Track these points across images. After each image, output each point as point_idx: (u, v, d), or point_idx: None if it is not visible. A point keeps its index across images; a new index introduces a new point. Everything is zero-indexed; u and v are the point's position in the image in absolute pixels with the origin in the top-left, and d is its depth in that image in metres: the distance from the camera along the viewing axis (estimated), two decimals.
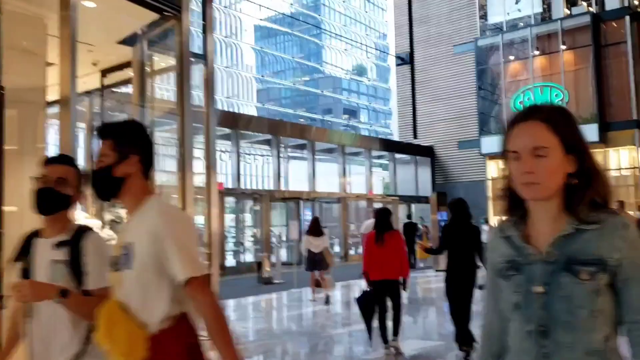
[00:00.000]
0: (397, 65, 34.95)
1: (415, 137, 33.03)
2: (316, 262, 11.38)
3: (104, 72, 8.17)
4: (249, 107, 60.97)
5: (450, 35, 32.55)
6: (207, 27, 8.00)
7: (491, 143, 29.48)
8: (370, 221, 13.17)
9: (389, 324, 6.78)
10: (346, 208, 24.42)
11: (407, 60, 33.56)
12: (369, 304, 6.72)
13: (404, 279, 6.83)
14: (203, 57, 8.13)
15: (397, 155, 30.83)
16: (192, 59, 8.07)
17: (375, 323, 6.77)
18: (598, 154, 27.09)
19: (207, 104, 8.18)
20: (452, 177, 31.71)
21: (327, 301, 11.20)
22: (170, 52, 6.89)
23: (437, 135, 32.42)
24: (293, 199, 22.78)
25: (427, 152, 32.20)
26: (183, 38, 6.79)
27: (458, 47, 32.04)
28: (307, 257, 11.61)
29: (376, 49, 74.68)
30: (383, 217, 6.99)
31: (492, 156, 29.89)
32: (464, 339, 6.37)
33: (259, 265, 15.52)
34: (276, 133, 23.09)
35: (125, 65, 7.74)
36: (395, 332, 6.75)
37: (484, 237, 17.57)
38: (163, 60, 8.19)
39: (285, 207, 23.26)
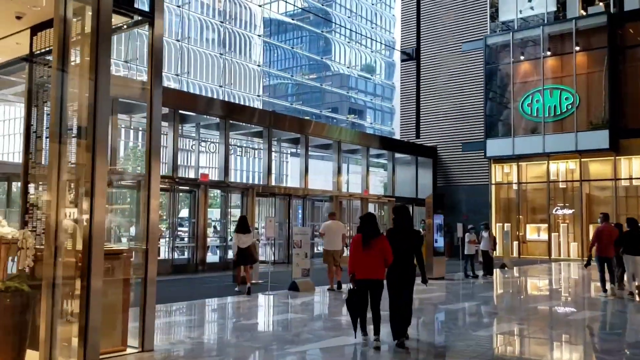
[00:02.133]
0: (402, 61, 33.68)
1: (417, 136, 31.78)
2: (245, 257, 12.67)
3: (34, 30, 6.98)
4: (254, 101, 59.85)
5: (459, 32, 31.28)
6: None
7: (497, 146, 28.33)
8: (330, 222, 13.26)
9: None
10: (338, 207, 23.19)
11: (412, 56, 32.29)
12: (354, 303, 7.21)
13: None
14: (148, 16, 6.94)
15: (398, 155, 29.56)
16: (133, 17, 6.89)
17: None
18: (607, 162, 25.77)
19: (150, 76, 6.99)
20: (454, 179, 30.46)
21: (248, 292, 12.10)
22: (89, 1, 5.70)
23: (441, 136, 31.19)
24: (281, 195, 21.59)
25: (430, 152, 30.95)
26: None
27: (467, 45, 30.81)
28: (237, 252, 12.75)
29: (382, 44, 73.49)
30: (369, 222, 7.31)
31: (498, 160, 28.72)
32: (397, 332, 7.14)
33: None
34: (270, 125, 21.87)
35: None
36: (376, 330, 7.09)
37: (482, 245, 16.24)
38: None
39: (275, 204, 22.06)
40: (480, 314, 10.66)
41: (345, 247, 13.69)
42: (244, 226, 12.98)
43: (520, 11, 29.16)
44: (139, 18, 6.98)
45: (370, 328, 7.29)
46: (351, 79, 74.29)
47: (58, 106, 6.02)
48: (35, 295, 4.97)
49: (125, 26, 6.90)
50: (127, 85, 17.57)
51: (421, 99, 32.17)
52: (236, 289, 13.01)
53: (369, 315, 7.24)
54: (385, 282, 7.24)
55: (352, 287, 7.23)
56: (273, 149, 24.28)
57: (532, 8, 28.89)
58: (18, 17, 6.86)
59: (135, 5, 6.66)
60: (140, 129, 32.92)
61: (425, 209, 17.28)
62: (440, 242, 16.80)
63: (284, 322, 9.24)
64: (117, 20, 6.72)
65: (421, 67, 32.43)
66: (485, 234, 17.57)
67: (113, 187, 16.03)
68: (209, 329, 8.82)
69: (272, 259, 21.12)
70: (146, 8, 6.78)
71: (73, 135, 5.89)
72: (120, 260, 6.43)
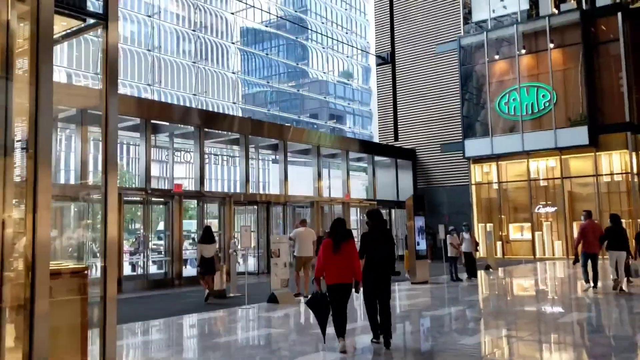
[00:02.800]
0: (378, 65, 33.45)
1: (396, 139, 31.52)
2: (208, 266, 12.99)
3: None
4: (231, 109, 59.24)
5: (433, 34, 31.17)
6: None
7: (476, 146, 28.15)
8: (301, 229, 13.59)
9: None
10: (320, 212, 22.76)
11: (387, 59, 32.07)
12: (321, 307, 7.27)
13: (356, 282, 7.35)
14: (101, 18, 6.43)
15: (377, 158, 29.25)
16: (86, 20, 6.41)
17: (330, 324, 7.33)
18: (588, 159, 25.70)
19: (105, 83, 6.54)
20: (435, 181, 30.23)
21: (206, 299, 12.77)
22: None
23: (419, 138, 30.98)
24: (260, 203, 21.08)
25: (409, 154, 30.70)
26: None
27: (441, 46, 30.68)
28: (200, 262, 13.11)
29: (357, 49, 73.51)
30: (339, 227, 7.51)
31: (477, 160, 28.54)
32: (375, 330, 7.53)
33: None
34: (247, 132, 21.38)
35: None
36: (342, 332, 7.19)
37: (464, 246, 15.86)
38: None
39: (255, 212, 21.56)
40: (466, 319, 10.27)
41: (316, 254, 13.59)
42: (208, 236, 13.22)
43: (494, 10, 29.10)
44: (92, 21, 6.47)
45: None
46: (329, 85, 74.09)
47: (2, 117, 5.47)
48: None
49: (72, 30, 6.38)
50: (90, 95, 16.96)
51: (398, 102, 31.94)
52: (205, 300, 12.92)
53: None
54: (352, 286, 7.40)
55: (316, 290, 7.35)
56: (251, 156, 23.80)
57: (504, 7, 28.84)
58: None
59: (88, 8, 6.18)
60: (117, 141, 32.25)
61: (406, 211, 16.90)
62: (422, 244, 16.43)
63: (261, 338, 8.75)
64: (69, 24, 6.24)
65: (396, 71, 32.23)
66: (466, 235, 17.24)
67: (82, 202, 15.44)
68: (178, 348, 8.29)
69: (255, 269, 20.60)
70: (100, 10, 6.31)
71: (23, 147, 5.38)
72: (76, 278, 5.91)
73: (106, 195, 6.15)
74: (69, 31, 6.41)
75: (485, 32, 28.46)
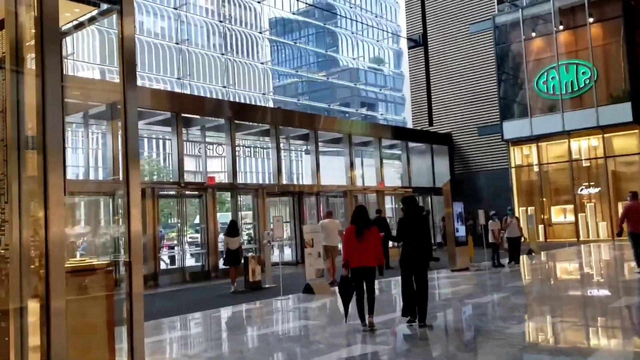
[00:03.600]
0: (410, 48, 32.78)
1: (430, 124, 30.85)
2: (233, 258, 13.63)
3: None
4: (264, 101, 59.19)
5: (466, 14, 30.32)
6: None
7: (514, 128, 27.37)
8: (326, 220, 14.39)
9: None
10: (353, 201, 22.41)
11: (419, 42, 31.36)
12: (347, 289, 7.80)
13: (380, 265, 7.91)
14: (115, 2, 6.20)
15: (412, 144, 28.66)
16: (99, 6, 6.20)
17: (353, 305, 7.87)
18: (632, 136, 24.65)
19: (123, 74, 6.31)
20: (472, 165, 29.51)
21: (234, 291, 13.22)
22: None
23: (455, 122, 30.25)
24: (293, 193, 20.84)
25: (444, 139, 30.03)
26: None
27: (474, 26, 29.84)
28: (226, 254, 13.86)
29: (388, 32, 72.42)
30: (360, 214, 7.91)
31: (516, 142, 27.73)
32: (409, 311, 7.81)
33: (245, 267, 13.64)
34: (277, 122, 21.16)
35: None
36: (371, 310, 7.64)
37: (510, 231, 15.15)
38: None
39: (289, 203, 21.37)
40: (510, 305, 9.82)
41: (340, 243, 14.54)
42: (233, 229, 13.92)
43: None
44: (105, 7, 6.23)
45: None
46: (360, 72, 73.31)
47: (15, 113, 5.29)
48: None
49: (86, 18, 6.17)
50: (118, 90, 16.89)
51: (432, 86, 31.22)
52: (231, 290, 13.39)
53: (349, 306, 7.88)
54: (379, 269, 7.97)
55: (345, 274, 7.81)
56: (282, 147, 23.59)
57: None
58: None
59: None
60: (145, 135, 32.45)
61: (443, 198, 16.43)
62: (461, 231, 15.94)
63: (297, 330, 8.51)
64: (82, 10, 6.04)
65: (429, 53, 31.46)
66: (512, 219, 16.52)
67: (110, 198, 15.50)
68: (214, 343, 8.11)
69: (292, 259, 20.41)
70: None
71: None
72: (100, 275, 5.74)
73: (128, 191, 5.95)
74: (82, 19, 6.22)
75: (520, 10, 27.54)
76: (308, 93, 68.52)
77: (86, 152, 18.03)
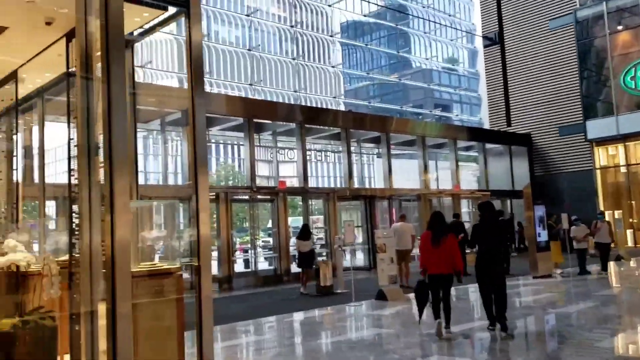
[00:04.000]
0: (485, 46, 31.73)
1: (508, 124, 29.71)
2: (305, 260, 13.84)
3: (69, 37, 6.44)
4: (335, 104, 59.21)
5: (544, 9, 28.99)
6: None
7: (599, 127, 25.89)
8: (398, 224, 14.54)
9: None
10: (427, 205, 21.84)
11: (495, 40, 30.30)
12: (422, 292, 7.98)
13: (458, 272, 7.78)
14: (183, 5, 6.18)
15: (489, 146, 27.66)
16: (167, 9, 6.20)
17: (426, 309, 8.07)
18: None
19: (190, 78, 6.28)
20: (554, 167, 28.13)
21: (302, 293, 13.58)
22: None
23: (534, 122, 28.96)
24: (365, 197, 20.51)
25: (523, 140, 28.80)
26: None
27: (554, 22, 28.47)
28: (298, 257, 14.23)
29: (463, 31, 70.61)
30: (437, 221, 7.96)
31: (600, 142, 26.20)
32: (489, 317, 7.74)
33: (317, 272, 13.49)
34: (348, 126, 20.96)
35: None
36: (447, 321, 7.61)
37: (599, 236, 14.07)
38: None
39: (359, 207, 21.09)
40: (599, 316, 9.11)
41: (414, 247, 14.61)
42: (304, 233, 14.31)
43: None
44: (174, 10, 6.22)
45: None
46: (434, 73, 71.97)
47: (85, 119, 5.34)
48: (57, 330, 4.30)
49: (155, 23, 6.17)
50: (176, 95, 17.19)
51: (509, 85, 30.09)
52: (301, 290, 13.79)
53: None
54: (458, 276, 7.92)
55: (421, 279, 8.00)
56: (353, 151, 23.37)
57: None
58: (48, 23, 6.29)
59: None
60: (221, 142, 33.07)
61: (524, 201, 15.64)
62: (543, 235, 15.11)
63: (370, 338, 8.23)
64: (151, 14, 6.06)
65: (506, 51, 30.35)
66: (603, 224, 15.43)
67: (181, 203, 15.80)
68: (286, 349, 7.96)
69: (365, 264, 20.10)
70: None
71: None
72: (170, 279, 5.73)
73: (197, 195, 5.92)
74: (151, 24, 6.24)
75: (604, 2, 26.03)
76: (380, 96, 67.94)
77: (164, 158, 18.51)
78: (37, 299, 4.28)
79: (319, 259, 14.57)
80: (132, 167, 7.06)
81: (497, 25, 30.73)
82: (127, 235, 4.51)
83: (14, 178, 7.70)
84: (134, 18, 6.42)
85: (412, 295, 11.93)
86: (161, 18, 6.49)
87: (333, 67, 61.16)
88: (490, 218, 7.99)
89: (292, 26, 57.28)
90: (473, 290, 12.51)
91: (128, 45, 6.86)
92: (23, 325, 3.94)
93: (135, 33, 6.71)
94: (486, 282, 7.75)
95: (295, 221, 20.16)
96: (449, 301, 7.70)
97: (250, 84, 52.47)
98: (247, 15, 53.82)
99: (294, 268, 17.70)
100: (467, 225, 20.90)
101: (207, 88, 45.44)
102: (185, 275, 6.35)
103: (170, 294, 5.76)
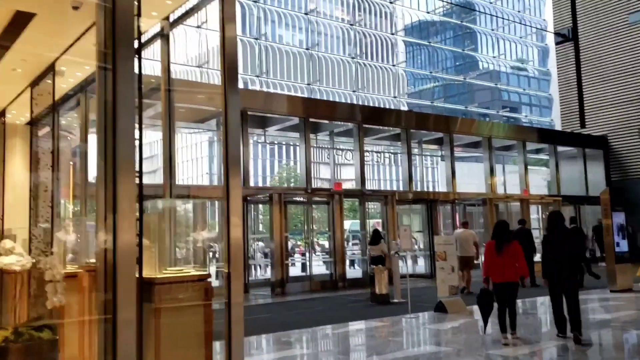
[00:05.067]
0: (557, 43, 29.97)
1: (582, 126, 27.90)
2: (376, 264, 13.71)
3: None
4: (396, 105, 58.03)
5: (623, 2, 27.00)
6: None
7: None
8: (460, 230, 14.64)
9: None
10: (493, 210, 20.60)
11: (569, 36, 28.55)
12: (486, 301, 7.91)
13: (522, 278, 8.41)
14: None
15: (561, 148, 25.98)
16: None
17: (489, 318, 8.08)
18: None
19: (224, 73, 5.73)
20: (632, 172, 26.15)
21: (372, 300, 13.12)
22: None
23: (611, 123, 27.06)
24: (426, 201, 19.52)
25: (599, 143, 26.93)
26: None
27: (634, 15, 26.45)
28: (370, 261, 14.92)
29: (533, 27, 67.60)
30: (501, 229, 7.99)
31: None
32: (558, 324, 7.77)
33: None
34: (409, 126, 20.07)
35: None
36: (513, 326, 7.76)
37: None
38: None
39: (420, 211, 20.13)
40: None
41: (478, 253, 14.66)
42: (375, 238, 14.62)
43: None
44: None
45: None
46: (502, 74, 69.41)
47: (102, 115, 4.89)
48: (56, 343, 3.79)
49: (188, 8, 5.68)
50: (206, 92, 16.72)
51: (583, 84, 28.28)
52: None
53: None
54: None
55: (484, 287, 7.91)
56: (415, 153, 22.43)
57: None
58: (75, 8, 5.87)
59: None
60: (283, 143, 32.66)
61: (601, 207, 14.29)
62: (623, 245, 13.73)
63: (427, 357, 7.41)
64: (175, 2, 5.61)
65: (580, 48, 28.56)
66: None
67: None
68: None
69: (427, 271, 19.13)
70: None
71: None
72: (198, 285, 5.24)
73: (228, 198, 5.39)
74: (185, 10, 5.80)
75: None
76: (445, 97, 66.07)
77: (210, 159, 18.29)
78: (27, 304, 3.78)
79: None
80: (167, 166, 6.59)
81: (570, 21, 28.98)
82: (131, 239, 4.01)
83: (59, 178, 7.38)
84: (166, 1, 5.94)
85: (474, 307, 11.05)
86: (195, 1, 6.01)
87: (394, 65, 59.89)
88: (557, 227, 7.95)
89: (351, 24, 56.55)
90: (542, 302, 11.45)
91: (161, 36, 6.37)
92: (16, 338, 3.44)
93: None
94: (554, 290, 7.69)
95: (353, 224, 19.40)
96: (515, 307, 7.78)
97: (308, 84, 52.04)
98: (306, 14, 53.53)
99: (350, 273, 17.03)
100: (536, 233, 19.59)
101: (264, 88, 45.23)
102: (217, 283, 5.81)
103: (198, 301, 5.27)
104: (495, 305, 7.85)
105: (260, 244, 18.76)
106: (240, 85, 43.72)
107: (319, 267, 18.32)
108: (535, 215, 24.17)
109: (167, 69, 6.45)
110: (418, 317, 10.24)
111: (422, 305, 11.07)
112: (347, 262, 19.16)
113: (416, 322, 9.86)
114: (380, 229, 19.26)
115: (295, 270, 18.18)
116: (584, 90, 28.10)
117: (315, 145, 19.74)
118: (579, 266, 7.92)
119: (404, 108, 55.71)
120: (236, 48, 5.73)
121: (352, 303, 12.98)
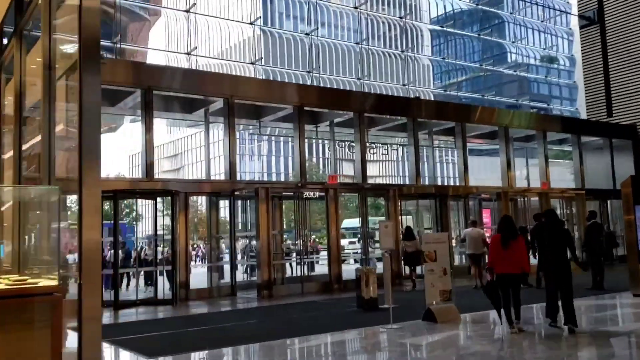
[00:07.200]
0: (582, 27, 28.06)
1: (609, 115, 26.00)
2: (411, 259, 15.11)
3: None
4: (426, 94, 56.28)
5: None
6: None
7: None
8: (469, 229, 14.94)
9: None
10: (510, 205, 18.99)
11: (594, 19, 26.66)
12: (494, 292, 8.22)
13: (525, 273, 8.27)
14: None
15: (585, 139, 24.14)
16: None
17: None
18: None
19: (80, 50, 4.78)
20: None
21: (413, 287, 14.75)
22: None
23: None
24: (434, 196, 18.02)
25: (627, 132, 25.03)
26: None
27: None
28: (405, 256, 15.51)
29: (557, 10, 64.85)
30: (506, 224, 8.29)
31: None
32: (552, 313, 8.18)
33: (357, 282, 11.33)
34: (415, 116, 18.63)
35: None
36: (517, 315, 8.06)
37: None
38: None
39: (428, 206, 18.66)
40: None
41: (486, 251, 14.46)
42: (409, 234, 15.43)
43: None
44: None
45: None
46: (531, 67, 66.68)
47: None
48: None
49: None
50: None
51: (610, 70, 26.37)
52: (409, 289, 14.90)
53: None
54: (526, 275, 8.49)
55: (489, 278, 8.34)
56: (425, 144, 20.99)
57: None
58: None
59: None
60: (273, 135, 31.31)
61: (622, 201, 12.67)
62: None
63: None
64: None
65: (606, 32, 26.65)
66: None
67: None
68: None
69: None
70: None
71: None
72: (42, 302, 4.04)
73: (81, 195, 4.24)
74: None
75: None
76: (465, 85, 63.73)
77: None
78: None
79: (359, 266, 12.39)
80: None
81: (596, 3, 27.06)
82: (97, 236, 3.17)
83: None
84: None
85: (469, 315, 9.69)
86: None
87: (439, 61, 58.66)
88: (551, 223, 8.33)
89: (400, 17, 55.56)
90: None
91: None
92: None
93: None
94: (551, 273, 8.08)
95: (351, 222, 18.02)
96: (519, 297, 8.04)
97: (358, 79, 50.32)
98: (355, 8, 52.26)
99: (346, 275, 15.66)
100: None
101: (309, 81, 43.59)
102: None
103: (41, 322, 4.07)
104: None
105: (242, 242, 17.44)
106: (262, 76, 42.39)
107: (317, 267, 17.02)
108: (557, 211, 22.42)
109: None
110: (401, 327, 8.84)
111: (412, 313, 9.68)
112: (352, 261, 17.84)
113: (394, 334, 8.45)
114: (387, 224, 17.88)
115: (288, 271, 16.92)
116: (610, 76, 26.19)
117: (336, 139, 18.56)
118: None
119: (431, 97, 53.93)
120: (98, 20, 4.62)
121: (337, 309, 11.65)
